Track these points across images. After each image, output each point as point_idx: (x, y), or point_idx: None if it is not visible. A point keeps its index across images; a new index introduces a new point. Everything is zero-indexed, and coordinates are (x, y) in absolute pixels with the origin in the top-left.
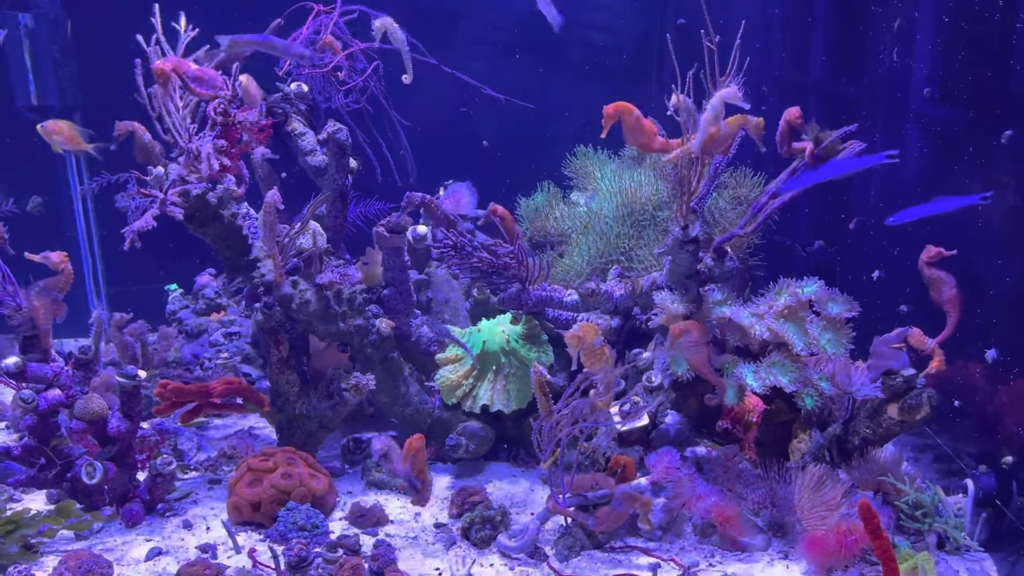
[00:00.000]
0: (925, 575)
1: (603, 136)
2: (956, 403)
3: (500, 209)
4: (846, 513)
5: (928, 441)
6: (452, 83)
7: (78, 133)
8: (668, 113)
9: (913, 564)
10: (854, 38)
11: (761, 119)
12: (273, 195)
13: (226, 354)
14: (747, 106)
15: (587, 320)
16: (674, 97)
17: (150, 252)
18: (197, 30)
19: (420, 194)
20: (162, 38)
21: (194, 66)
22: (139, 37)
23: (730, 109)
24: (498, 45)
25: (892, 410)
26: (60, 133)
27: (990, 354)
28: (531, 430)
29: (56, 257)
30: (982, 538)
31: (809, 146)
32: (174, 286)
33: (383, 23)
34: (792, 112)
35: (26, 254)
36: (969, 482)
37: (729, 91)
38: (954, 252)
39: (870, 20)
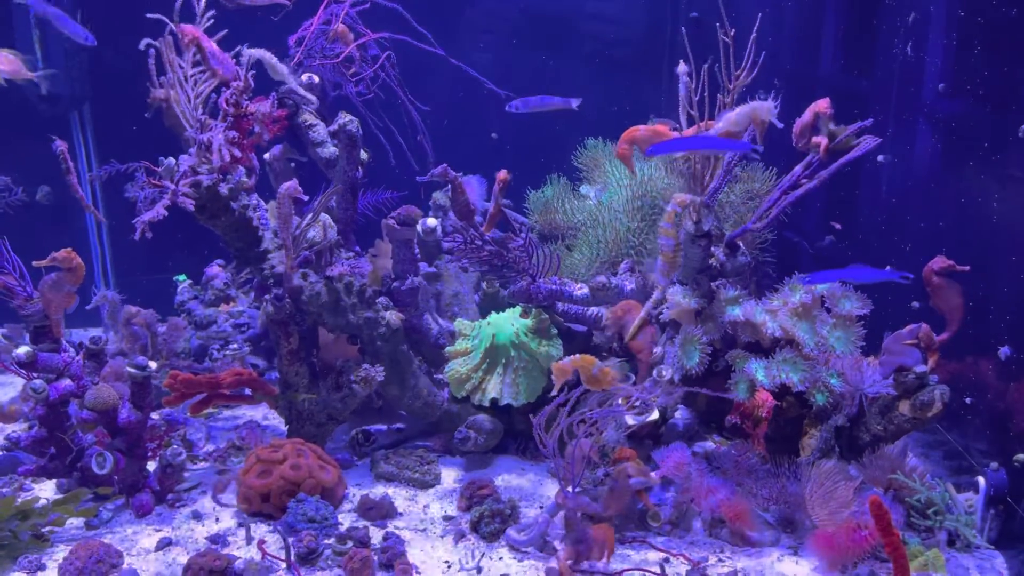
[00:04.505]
0: (936, 572)
1: (634, 176)
2: (968, 400)
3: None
4: (857, 510)
5: (939, 438)
6: (460, 75)
7: (21, 63)
8: (683, 80)
9: (924, 561)
10: (868, 32)
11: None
12: (290, 185)
13: (235, 345)
14: (781, 124)
15: (597, 314)
16: (682, 64)
17: (159, 242)
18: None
19: (453, 173)
20: (174, 27)
21: (213, 44)
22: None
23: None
24: (508, 37)
25: (904, 407)
26: (3, 63)
27: (1003, 351)
28: None
29: (62, 255)
30: (993, 536)
31: (824, 141)
32: (183, 277)
33: (257, 55)
34: (821, 104)
35: (34, 263)
36: (981, 479)
37: (764, 105)
38: (967, 268)
39: (884, 14)
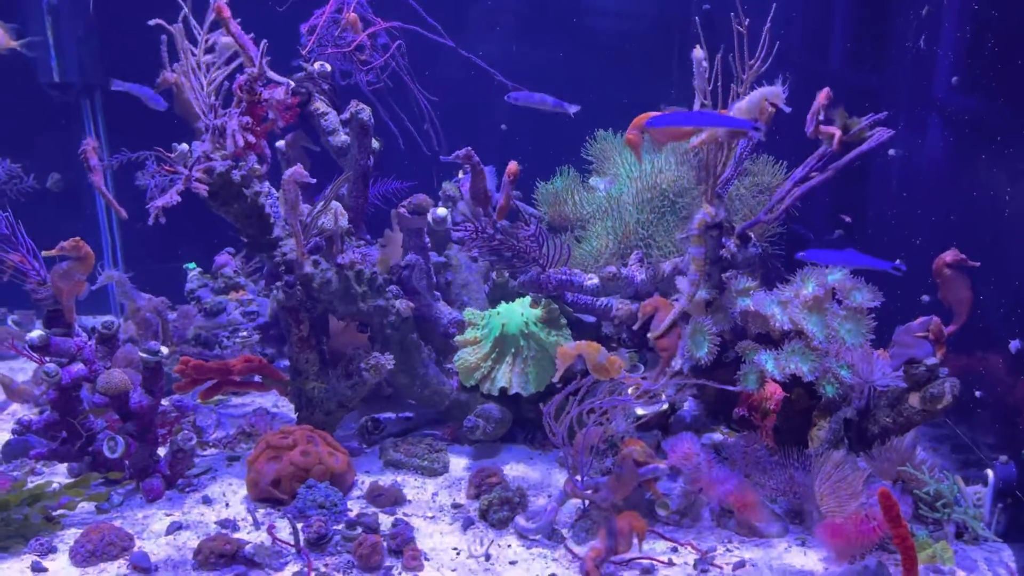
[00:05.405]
0: (943, 564)
1: (641, 163)
2: (978, 393)
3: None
4: (865, 501)
5: (948, 431)
6: (471, 66)
7: (4, 31)
8: (702, 65)
9: (931, 553)
10: (881, 25)
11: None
12: (295, 171)
13: (244, 332)
14: (789, 109)
15: (607, 305)
16: (697, 50)
17: (169, 230)
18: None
19: (477, 157)
20: (189, 14)
21: (238, 27)
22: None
23: None
24: (518, 28)
25: (914, 399)
26: None
27: (1014, 345)
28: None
29: (70, 244)
30: (1001, 528)
31: (837, 132)
32: (193, 264)
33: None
34: (821, 95)
35: (43, 252)
36: (989, 472)
37: (772, 90)
38: (978, 264)
39: (898, 7)
